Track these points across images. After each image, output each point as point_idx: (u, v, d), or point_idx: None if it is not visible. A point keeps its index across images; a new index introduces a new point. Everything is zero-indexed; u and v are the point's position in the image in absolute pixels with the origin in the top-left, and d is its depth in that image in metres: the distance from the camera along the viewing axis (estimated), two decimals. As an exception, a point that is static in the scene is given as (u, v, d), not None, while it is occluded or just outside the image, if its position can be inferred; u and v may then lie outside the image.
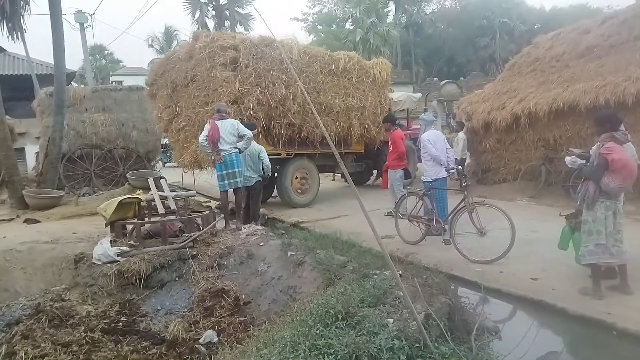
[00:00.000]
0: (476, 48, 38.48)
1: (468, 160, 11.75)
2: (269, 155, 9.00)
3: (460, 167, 6.45)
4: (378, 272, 4.39)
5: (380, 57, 12.53)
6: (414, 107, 14.46)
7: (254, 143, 7.64)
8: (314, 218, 8.89)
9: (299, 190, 10.46)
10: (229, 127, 7.06)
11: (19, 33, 12.28)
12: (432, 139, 6.79)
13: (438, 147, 6.74)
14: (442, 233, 6.28)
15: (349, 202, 10.36)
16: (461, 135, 11.44)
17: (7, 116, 11.42)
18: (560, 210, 5.72)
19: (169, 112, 10.13)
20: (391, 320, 3.23)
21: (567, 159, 4.79)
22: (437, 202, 6.51)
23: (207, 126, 7.08)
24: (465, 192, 5.97)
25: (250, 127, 7.61)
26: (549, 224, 6.72)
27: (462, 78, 30.18)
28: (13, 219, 9.16)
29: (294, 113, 9.47)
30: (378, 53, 33.61)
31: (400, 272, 3.80)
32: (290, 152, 10.04)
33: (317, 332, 3.16)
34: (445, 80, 28.68)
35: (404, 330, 3.07)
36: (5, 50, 21.51)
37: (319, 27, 43.30)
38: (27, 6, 12.03)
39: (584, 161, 4.62)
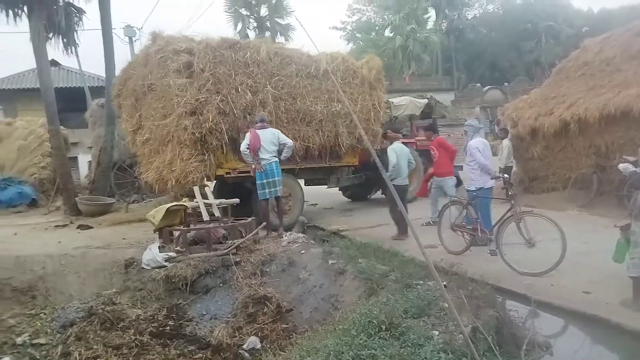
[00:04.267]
0: (520, 52, 37.44)
1: (514, 168, 11.39)
2: (239, 172, 8.25)
3: (506, 175, 6.26)
4: (421, 282, 4.33)
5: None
6: (418, 113, 13.13)
7: (402, 145, 7.54)
8: (354, 226, 8.85)
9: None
10: (270, 136, 7.21)
11: (72, 47, 12.97)
12: (481, 147, 6.62)
13: (486, 155, 6.58)
14: (488, 243, 6.11)
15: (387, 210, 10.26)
16: (506, 142, 11.09)
17: (61, 127, 12.04)
18: (613, 221, 5.45)
19: (133, 123, 9.24)
20: (436, 333, 3.18)
21: (621, 165, 4.61)
22: (482, 212, 6.33)
23: (248, 135, 7.24)
24: (512, 201, 5.79)
25: (397, 130, 7.83)
26: (601, 235, 6.43)
27: (506, 83, 29.41)
28: (67, 224, 9.62)
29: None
30: (418, 60, 33.37)
31: (444, 283, 3.73)
32: None
33: (361, 342, 3.15)
34: (489, 86, 28.04)
35: (450, 343, 3.01)
36: (60, 64, 22.75)
37: (357, 35, 43.40)
38: (81, 22, 12.69)
39: (637, 169, 4.42)
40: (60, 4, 11.39)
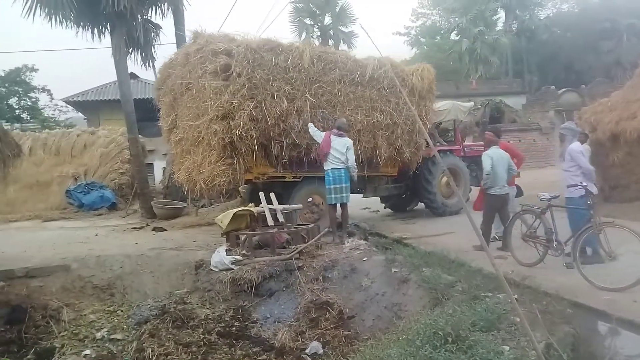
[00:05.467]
0: (598, 53, 35.02)
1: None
2: (269, 178, 8.08)
3: (584, 182, 5.82)
4: (490, 294, 4.17)
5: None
6: (463, 117, 12.00)
7: (500, 150, 6.91)
8: (418, 234, 8.66)
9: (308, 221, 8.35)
10: (340, 145, 7.26)
11: (150, 61, 13.83)
12: (584, 151, 6.15)
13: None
14: (563, 256, 5.73)
15: (453, 218, 9.96)
16: (587, 147, 10.27)
17: (139, 135, 12.86)
18: None
19: (168, 122, 9.21)
20: (507, 348, 3.05)
21: None
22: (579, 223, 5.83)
23: (323, 134, 7.40)
24: (591, 211, 5.41)
25: (498, 133, 7.23)
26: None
27: (583, 86, 27.65)
28: (143, 227, 10.25)
29: (298, 132, 7.81)
30: (486, 62, 32.23)
31: (515, 296, 3.56)
32: (298, 175, 8.34)
33: (426, 353, 3.09)
34: (564, 89, 26.47)
35: (521, 359, 2.87)
36: (139, 77, 24.32)
37: (421, 39, 42.69)
38: (157, 37, 13.52)
39: None
40: (139, 20, 12.19)
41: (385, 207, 11.89)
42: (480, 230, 6.70)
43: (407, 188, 10.59)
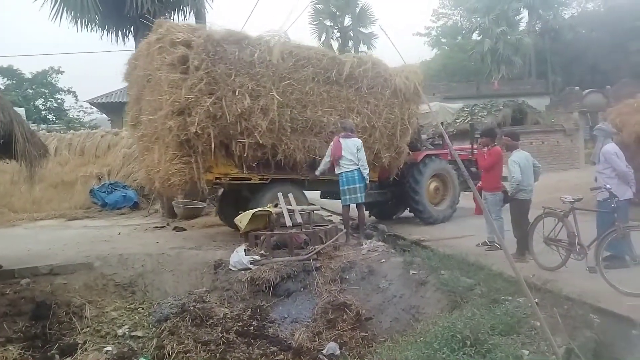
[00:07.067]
0: (626, 53, 34.15)
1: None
2: (234, 179, 7.68)
3: (608, 185, 5.68)
4: (510, 298, 4.12)
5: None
6: (451, 119, 11.59)
7: (524, 153, 6.61)
8: (436, 237, 8.58)
9: None
10: (350, 146, 7.31)
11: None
12: (619, 152, 5.93)
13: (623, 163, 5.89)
14: (586, 260, 5.61)
15: (473, 221, 9.83)
16: None
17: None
18: None
19: (132, 117, 8.74)
20: (526, 352, 3.01)
21: None
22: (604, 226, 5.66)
23: (331, 146, 7.42)
24: (616, 214, 5.29)
25: (516, 137, 6.87)
26: None
27: (608, 86, 27.04)
28: (164, 226, 10.39)
29: (262, 131, 7.22)
30: (508, 63, 31.80)
31: (536, 300, 3.51)
32: (266, 177, 7.85)
33: (443, 356, 3.08)
34: (589, 90, 25.93)
35: (541, 364, 2.83)
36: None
37: (442, 40, 42.37)
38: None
39: None
40: (162, 23, 12.40)
41: (370, 215, 10.86)
42: (516, 238, 6.57)
43: (393, 195, 10.03)
